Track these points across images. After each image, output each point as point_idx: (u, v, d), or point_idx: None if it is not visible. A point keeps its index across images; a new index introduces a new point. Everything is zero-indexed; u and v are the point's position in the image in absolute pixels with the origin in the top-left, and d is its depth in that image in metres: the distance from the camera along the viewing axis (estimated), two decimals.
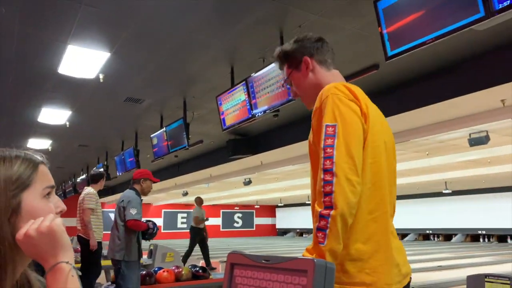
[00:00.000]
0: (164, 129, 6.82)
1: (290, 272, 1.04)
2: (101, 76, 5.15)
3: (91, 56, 4.59)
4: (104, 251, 5.85)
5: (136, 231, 3.81)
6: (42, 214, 0.78)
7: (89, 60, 4.71)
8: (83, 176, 12.53)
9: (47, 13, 3.67)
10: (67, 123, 7.43)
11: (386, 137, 1.35)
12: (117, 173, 9.50)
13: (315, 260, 1.00)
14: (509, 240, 16.52)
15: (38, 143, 9.15)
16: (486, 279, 2.26)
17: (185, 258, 8.95)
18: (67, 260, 0.76)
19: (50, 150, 9.67)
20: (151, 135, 7.31)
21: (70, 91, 5.81)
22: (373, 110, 1.34)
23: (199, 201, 9.88)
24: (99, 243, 4.79)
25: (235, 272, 1.20)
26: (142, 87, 5.68)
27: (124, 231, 3.77)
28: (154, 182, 4.26)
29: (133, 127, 7.94)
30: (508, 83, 4.29)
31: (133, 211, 3.75)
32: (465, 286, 2.44)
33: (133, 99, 6.18)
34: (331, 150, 1.20)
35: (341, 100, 1.26)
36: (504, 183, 14.48)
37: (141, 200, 4.01)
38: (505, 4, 2.44)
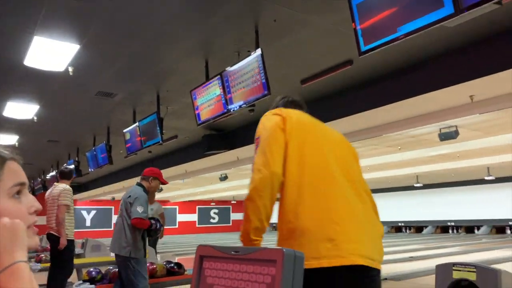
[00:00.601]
0: (137, 124, 6.69)
1: (260, 263, 1.04)
2: (70, 69, 4.99)
3: (59, 48, 4.43)
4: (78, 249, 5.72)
5: (141, 229, 3.74)
6: (9, 216, 0.72)
7: (58, 52, 4.54)
8: (53, 173, 12.19)
9: (11, 1, 3.51)
10: (35, 118, 7.18)
11: (327, 136, 1.53)
12: (89, 169, 9.27)
13: (284, 250, 1.00)
14: (476, 231, 17.11)
15: (4, 139, 8.82)
16: (453, 268, 2.34)
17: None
18: (25, 259, 0.72)
19: (17, 145, 9.35)
20: (124, 130, 7.16)
21: (38, 84, 5.60)
22: (307, 120, 1.55)
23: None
24: (71, 241, 4.66)
25: (204, 264, 1.19)
26: (113, 80, 5.54)
27: (131, 227, 3.68)
28: (163, 184, 4.19)
29: (105, 122, 7.75)
30: (476, 79, 4.41)
31: (139, 209, 3.67)
32: (435, 275, 2.49)
33: (104, 93, 6.02)
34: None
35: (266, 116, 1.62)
36: (472, 176, 14.97)
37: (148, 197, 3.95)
38: (474, 1, 2.49)
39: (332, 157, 1.44)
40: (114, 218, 22.67)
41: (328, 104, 6.02)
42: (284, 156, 1.41)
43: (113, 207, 22.66)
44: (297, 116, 1.52)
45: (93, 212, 21.76)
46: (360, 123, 6.43)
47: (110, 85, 5.73)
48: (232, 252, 1.12)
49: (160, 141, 6.21)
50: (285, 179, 1.40)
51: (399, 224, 19.67)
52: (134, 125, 6.79)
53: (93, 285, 3.63)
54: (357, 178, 1.46)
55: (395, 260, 8.28)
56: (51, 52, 4.52)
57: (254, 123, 6.74)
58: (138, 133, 6.70)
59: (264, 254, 1.05)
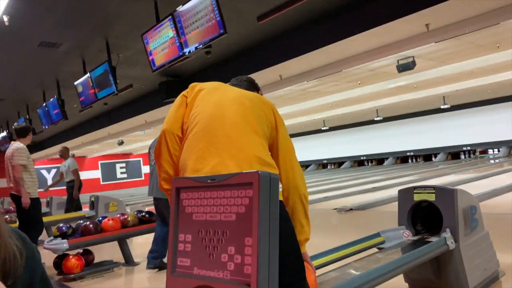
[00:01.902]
0: (88, 74, 6.33)
1: (236, 187, 1.09)
2: (5, 18, 4.57)
3: None
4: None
5: None
6: None
7: None
8: (4, 133, 11.59)
9: None
10: None
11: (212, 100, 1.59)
12: (43, 127, 8.85)
13: (260, 172, 1.06)
14: (433, 159, 18.07)
15: None
16: (414, 191, 2.45)
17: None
18: None
19: None
20: (75, 83, 6.78)
21: None
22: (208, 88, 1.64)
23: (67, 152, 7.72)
24: (36, 199, 4.50)
25: (182, 195, 1.22)
26: (56, 29, 5.13)
27: None
28: None
29: (53, 75, 7.29)
30: (431, 7, 4.39)
31: None
32: (397, 201, 2.59)
33: (48, 43, 5.59)
34: None
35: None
36: (428, 106, 15.53)
37: None
38: None
39: (205, 116, 1.53)
40: None
41: (286, 41, 5.88)
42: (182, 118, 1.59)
43: None
44: (201, 86, 1.65)
45: (53, 171, 21.18)
46: (319, 60, 6.37)
47: (53, 34, 5.31)
48: (208, 181, 1.15)
49: (115, 91, 5.94)
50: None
51: (361, 158, 20.43)
52: (86, 76, 6.43)
53: (65, 239, 3.56)
54: (220, 134, 1.48)
55: (359, 191, 8.65)
56: None
57: (212, 66, 6.63)
58: (91, 85, 6.37)
59: (240, 178, 1.09)
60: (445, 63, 8.27)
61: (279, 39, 5.85)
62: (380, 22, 4.86)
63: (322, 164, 22.25)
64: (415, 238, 2.40)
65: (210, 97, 1.57)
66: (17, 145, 4.56)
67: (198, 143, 1.46)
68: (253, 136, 1.44)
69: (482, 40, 6.65)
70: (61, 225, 3.80)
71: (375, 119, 16.87)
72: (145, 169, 25.31)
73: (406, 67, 6.99)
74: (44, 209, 6.75)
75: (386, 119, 17.50)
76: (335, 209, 6.34)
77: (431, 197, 2.39)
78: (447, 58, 7.83)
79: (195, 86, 1.65)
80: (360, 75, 8.60)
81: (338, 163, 21.50)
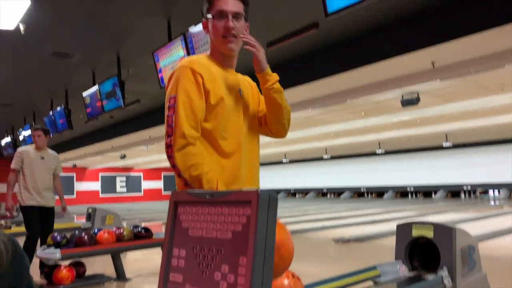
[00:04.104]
0: (97, 87, 6.42)
1: (235, 204, 1.07)
2: (22, 28, 4.67)
3: (8, 4, 4.12)
4: None
5: None
6: None
7: (7, 8, 4.22)
8: (8, 139, 11.64)
9: None
10: None
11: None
12: None
13: (259, 191, 1.04)
14: (433, 196, 17.97)
15: None
16: (413, 226, 2.47)
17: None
18: None
19: None
20: (84, 94, 6.86)
21: None
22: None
23: None
24: (25, 208, 4.40)
25: (179, 210, 1.21)
26: (70, 40, 5.24)
27: None
28: None
29: (62, 85, 7.39)
30: (437, 45, 4.47)
31: None
32: (395, 235, 2.58)
33: (61, 53, 5.70)
34: None
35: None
36: (430, 143, 15.55)
37: None
38: None
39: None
40: (76, 186, 22.32)
41: (294, 69, 5.98)
42: None
43: (74, 174, 22.11)
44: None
45: None
46: (325, 89, 6.45)
47: (66, 45, 5.42)
48: (207, 196, 1.14)
49: (122, 105, 6.01)
50: None
51: (362, 189, 20.34)
52: (94, 88, 6.51)
53: (58, 249, 3.54)
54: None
55: (358, 223, 8.59)
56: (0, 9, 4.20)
57: None
58: (99, 97, 6.45)
59: (239, 196, 1.08)
60: (449, 101, 8.33)
61: (286, 65, 5.95)
62: (387, 56, 4.95)
63: (322, 193, 22.14)
64: (412, 274, 2.39)
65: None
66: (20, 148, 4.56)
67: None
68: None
69: (487, 81, 6.73)
70: (56, 234, 3.78)
71: (377, 151, 16.89)
72: (145, 184, 25.25)
73: (410, 102, 7.05)
74: None
75: (388, 152, 17.52)
76: (333, 239, 6.29)
77: (430, 234, 2.39)
78: (451, 96, 7.90)
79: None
80: (364, 106, 8.66)
81: (337, 192, 21.40)
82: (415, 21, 4.61)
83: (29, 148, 4.44)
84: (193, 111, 1.44)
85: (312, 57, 5.75)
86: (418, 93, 7.00)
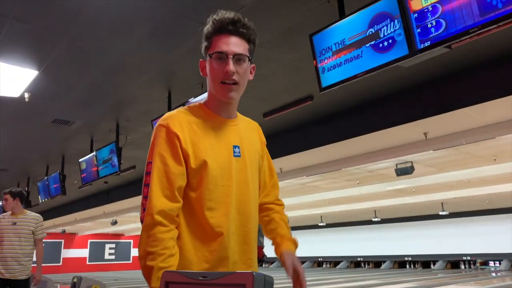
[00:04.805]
0: (94, 153, 6.47)
1: (228, 287, 1.02)
2: (26, 95, 4.81)
3: (16, 74, 4.28)
4: None
5: None
6: None
7: (14, 77, 4.38)
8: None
9: None
10: None
11: None
12: (40, 199, 8.79)
13: (254, 274, 0.98)
14: (432, 266, 17.48)
15: None
16: None
17: None
18: None
19: None
20: (80, 160, 6.90)
21: None
22: None
23: None
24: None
25: None
26: (72, 108, 5.37)
27: None
28: None
29: (60, 151, 7.44)
30: (429, 117, 4.63)
31: None
32: None
33: (61, 120, 5.81)
34: None
35: None
36: (427, 211, 15.45)
37: None
38: (426, 44, 2.65)
39: None
40: (64, 253, 21.53)
41: (289, 138, 6.10)
42: None
43: (62, 241, 21.43)
44: None
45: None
46: (320, 157, 6.54)
47: (68, 112, 5.55)
48: (200, 278, 1.08)
49: (118, 171, 6.02)
50: None
51: (358, 259, 19.81)
52: (91, 154, 6.56)
53: None
54: None
55: None
56: (7, 77, 4.35)
57: None
58: (95, 163, 6.47)
59: (233, 279, 1.02)
60: (443, 170, 8.43)
61: (282, 134, 6.08)
62: (380, 127, 5.09)
63: (318, 262, 21.49)
64: None
65: None
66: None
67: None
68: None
69: (479, 151, 6.87)
70: None
71: (373, 219, 16.69)
72: (134, 252, 24.44)
73: (404, 171, 7.13)
74: None
75: (384, 221, 17.31)
76: None
77: None
78: (445, 165, 8.01)
79: None
80: (359, 175, 8.73)
81: (334, 262, 20.77)
82: (407, 95, 4.81)
83: (6, 214, 4.12)
84: (169, 179, 1.22)
85: (307, 127, 5.90)
86: (412, 163, 7.10)
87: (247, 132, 1.42)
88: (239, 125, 1.40)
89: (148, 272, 1.18)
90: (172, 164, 1.23)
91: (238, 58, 1.31)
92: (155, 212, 1.18)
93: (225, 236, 1.25)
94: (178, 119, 1.28)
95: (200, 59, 1.38)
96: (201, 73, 1.39)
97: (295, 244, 1.44)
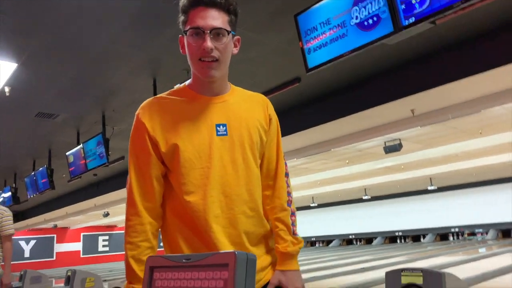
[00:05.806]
0: (81, 145, 6.39)
1: (212, 268, 1.03)
2: (6, 89, 4.70)
3: None
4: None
5: None
6: None
7: None
8: None
9: None
10: None
11: None
12: (28, 195, 8.69)
13: (236, 253, 1.00)
14: (422, 239, 17.88)
15: None
16: (402, 273, 2.43)
17: None
18: None
19: None
20: (67, 153, 6.81)
21: None
22: None
23: None
24: None
25: (155, 275, 1.15)
26: (55, 100, 5.27)
27: None
28: None
29: (46, 145, 7.33)
30: (416, 94, 4.66)
31: None
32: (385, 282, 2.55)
33: (45, 114, 5.71)
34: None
35: None
36: (416, 187, 15.72)
37: None
38: (411, 21, 2.65)
39: None
40: (57, 247, 21.46)
41: (279, 121, 6.08)
42: None
43: (55, 235, 21.32)
44: None
45: (32, 242, 20.38)
46: (310, 138, 6.56)
47: (51, 105, 5.45)
48: (183, 260, 1.09)
49: (106, 163, 5.96)
50: None
51: (350, 236, 20.13)
52: (78, 147, 6.48)
53: None
54: None
55: (348, 271, 8.41)
56: None
57: None
58: (82, 155, 6.40)
59: (216, 259, 1.04)
60: (430, 146, 8.54)
61: None
62: (368, 106, 5.11)
63: (310, 242, 21.80)
64: None
65: None
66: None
67: None
68: None
69: (465, 126, 6.97)
70: None
71: (364, 197, 16.93)
72: None
73: (393, 149, 7.20)
74: (16, 283, 6.39)
75: (374, 198, 17.57)
76: None
77: (419, 280, 2.37)
78: (432, 141, 8.11)
79: None
80: (349, 154, 8.80)
81: (326, 241, 21.09)
82: (394, 72, 4.82)
83: None
84: (141, 170, 1.25)
85: (295, 110, 5.90)
86: (400, 140, 7.17)
87: (241, 107, 1.33)
88: (228, 101, 1.31)
89: (126, 260, 1.31)
90: (140, 154, 1.26)
91: (216, 32, 1.20)
92: (132, 204, 1.27)
93: (205, 219, 1.22)
94: (149, 107, 1.29)
95: (180, 35, 1.30)
96: (181, 51, 1.32)
97: (296, 246, 1.34)
